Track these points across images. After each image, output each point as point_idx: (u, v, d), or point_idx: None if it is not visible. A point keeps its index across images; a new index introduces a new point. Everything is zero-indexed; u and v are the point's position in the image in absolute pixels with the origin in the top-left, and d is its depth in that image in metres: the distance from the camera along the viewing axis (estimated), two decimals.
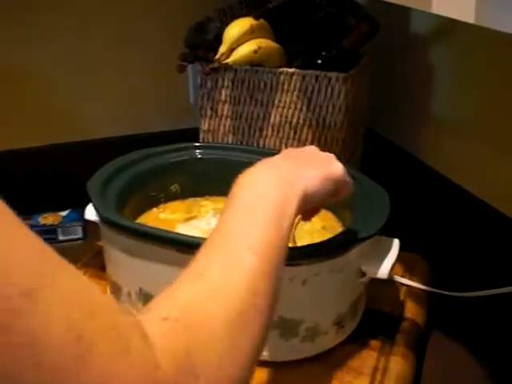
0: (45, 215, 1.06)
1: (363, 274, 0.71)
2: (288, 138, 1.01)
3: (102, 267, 0.81)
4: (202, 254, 0.44)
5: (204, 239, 0.47)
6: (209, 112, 1.04)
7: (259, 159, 0.83)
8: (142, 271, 0.71)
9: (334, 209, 0.81)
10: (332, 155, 0.61)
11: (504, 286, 0.79)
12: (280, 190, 0.51)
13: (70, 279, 0.32)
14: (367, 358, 0.73)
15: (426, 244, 0.93)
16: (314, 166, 0.57)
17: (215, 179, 0.88)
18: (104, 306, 0.33)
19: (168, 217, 0.86)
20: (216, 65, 0.92)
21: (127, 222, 0.69)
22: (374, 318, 0.78)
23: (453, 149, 0.99)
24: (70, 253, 0.95)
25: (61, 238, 1.03)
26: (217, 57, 0.93)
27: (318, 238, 0.74)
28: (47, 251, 0.32)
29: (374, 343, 0.75)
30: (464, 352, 0.78)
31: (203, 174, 0.89)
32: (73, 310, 0.30)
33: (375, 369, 0.71)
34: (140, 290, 0.72)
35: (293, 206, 0.51)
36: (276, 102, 1.00)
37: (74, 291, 0.31)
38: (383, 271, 0.69)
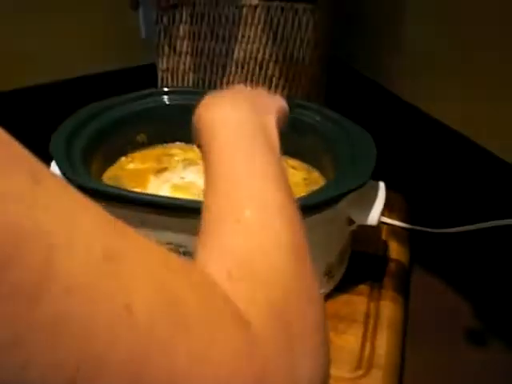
0: None
1: (351, 222, 0.69)
2: (253, 75, 0.96)
3: None
4: (222, 202, 0.38)
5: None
6: (166, 49, 0.97)
7: None
8: None
9: (314, 157, 0.78)
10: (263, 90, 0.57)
11: (484, 221, 0.79)
12: (257, 120, 0.46)
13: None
14: (358, 305, 0.72)
15: (402, 180, 0.92)
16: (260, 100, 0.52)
17: (182, 126, 0.83)
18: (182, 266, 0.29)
19: (138, 167, 0.82)
20: (175, 1, 0.85)
21: (97, 185, 0.64)
22: (360, 261, 0.77)
23: (424, 79, 0.97)
24: None
25: None
26: None
27: (301, 192, 0.72)
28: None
29: (363, 288, 0.74)
30: (447, 289, 0.79)
31: (170, 121, 0.83)
32: (157, 271, 0.27)
33: (367, 315, 0.71)
34: None
35: (275, 134, 0.46)
36: (239, 36, 0.94)
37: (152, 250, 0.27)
38: (373, 218, 0.68)
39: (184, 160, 0.82)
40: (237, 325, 0.28)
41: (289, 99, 0.58)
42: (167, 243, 0.65)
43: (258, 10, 0.91)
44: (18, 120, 1.07)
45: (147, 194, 0.68)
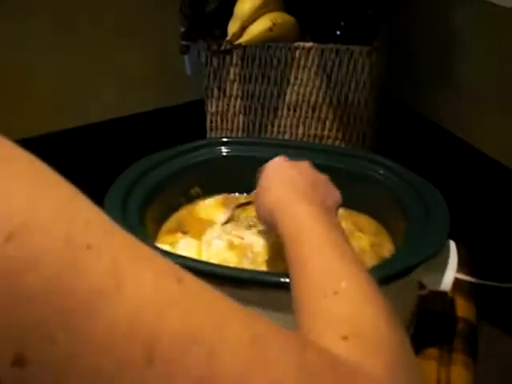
0: None
1: (423, 287, 0.66)
2: (306, 118, 0.93)
3: None
4: (316, 278, 0.44)
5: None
6: (216, 92, 0.95)
7: (286, 152, 0.78)
8: None
9: (380, 212, 0.75)
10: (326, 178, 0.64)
11: None
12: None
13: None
14: (427, 370, 0.68)
15: (463, 229, 0.88)
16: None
17: (239, 178, 0.80)
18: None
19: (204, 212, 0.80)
20: (228, 46, 0.83)
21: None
22: (427, 320, 0.73)
23: (476, 116, 0.93)
24: None
25: None
26: (228, 38, 0.83)
27: (370, 259, 0.68)
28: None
29: (432, 352, 0.71)
30: None
31: (226, 173, 0.81)
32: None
33: (438, 382, 0.67)
34: None
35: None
36: (292, 79, 0.91)
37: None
38: (446, 284, 0.64)
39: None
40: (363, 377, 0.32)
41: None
42: None
43: (312, 53, 0.88)
44: (68, 161, 1.06)
45: (217, 266, 0.64)
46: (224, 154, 0.80)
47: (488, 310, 0.79)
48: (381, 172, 0.75)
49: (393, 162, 0.75)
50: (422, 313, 0.73)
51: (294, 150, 0.80)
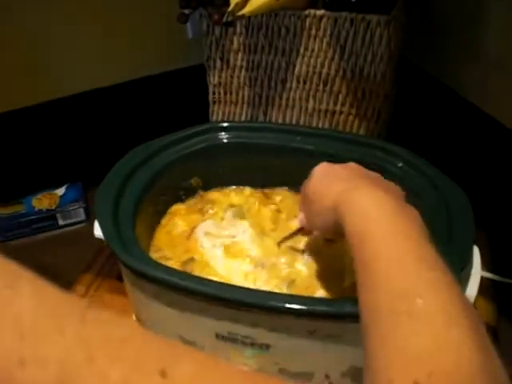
0: (38, 196, 0.91)
1: None
2: (317, 91, 0.85)
3: (119, 277, 0.70)
4: (385, 296, 0.37)
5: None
6: (218, 63, 0.87)
7: (293, 139, 0.71)
8: (179, 320, 0.59)
9: None
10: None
11: None
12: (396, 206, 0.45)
13: None
14: None
15: (482, 216, 0.81)
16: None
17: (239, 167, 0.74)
18: None
19: (187, 221, 0.73)
20: (230, 18, 0.74)
21: (159, 273, 0.56)
22: None
23: (499, 87, 0.84)
24: (73, 241, 0.84)
25: (61, 223, 0.90)
26: (230, 8, 0.74)
27: None
28: None
29: None
30: None
31: (227, 162, 0.74)
32: None
33: None
34: (180, 337, 0.61)
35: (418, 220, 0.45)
36: (301, 50, 0.83)
37: None
38: (471, 292, 0.58)
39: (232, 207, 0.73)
40: None
41: None
42: (229, 333, 0.57)
43: (324, 21, 0.79)
44: (68, 128, 1.00)
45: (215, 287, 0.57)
46: (225, 140, 0.73)
47: (509, 310, 0.74)
48: (399, 165, 0.68)
49: (412, 154, 0.68)
50: None
51: (303, 136, 0.73)
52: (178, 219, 0.71)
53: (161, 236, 0.70)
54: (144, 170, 0.69)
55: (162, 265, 0.59)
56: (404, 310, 0.35)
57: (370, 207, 0.44)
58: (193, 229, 0.72)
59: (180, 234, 0.70)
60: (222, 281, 0.61)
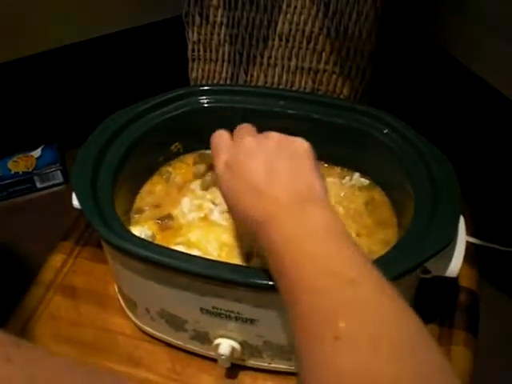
0: (14, 159, 0.89)
1: (427, 271, 0.60)
2: (300, 49, 0.83)
3: (100, 244, 0.69)
4: (311, 319, 0.38)
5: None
6: (198, 19, 0.83)
7: (276, 104, 0.69)
8: (162, 294, 0.58)
9: (379, 175, 0.68)
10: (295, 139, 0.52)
11: None
12: (313, 211, 0.44)
13: None
14: None
15: (465, 181, 0.80)
16: (296, 162, 0.50)
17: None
18: None
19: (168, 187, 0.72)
20: None
21: (140, 251, 0.54)
22: (427, 287, 0.68)
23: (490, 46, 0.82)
24: (52, 205, 0.83)
25: (39, 186, 0.88)
26: None
27: (365, 221, 0.63)
28: None
29: (431, 329, 0.67)
30: None
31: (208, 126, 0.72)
32: None
33: None
34: (162, 310, 0.60)
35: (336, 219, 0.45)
36: (284, 7, 0.80)
37: None
38: (453, 270, 0.58)
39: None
40: None
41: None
42: (213, 307, 0.56)
43: None
44: (40, 87, 0.96)
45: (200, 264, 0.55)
46: (205, 105, 0.71)
47: (490, 274, 0.74)
48: (385, 132, 0.67)
49: (398, 120, 0.67)
50: (422, 281, 0.68)
51: (286, 100, 0.71)
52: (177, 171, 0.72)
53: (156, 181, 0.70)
54: (123, 137, 0.67)
55: (144, 240, 0.57)
56: (330, 334, 0.35)
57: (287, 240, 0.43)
58: (186, 183, 0.71)
59: (172, 185, 0.71)
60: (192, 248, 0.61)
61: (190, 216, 0.67)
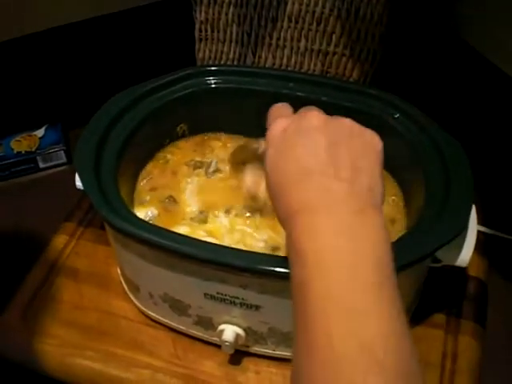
0: (17, 138, 0.88)
1: (437, 261, 0.59)
2: (309, 30, 0.81)
3: (103, 225, 0.68)
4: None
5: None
6: None
7: (285, 86, 0.67)
8: (165, 278, 0.57)
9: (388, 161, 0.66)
10: (369, 131, 0.44)
11: None
12: (358, 230, 0.36)
13: None
14: (434, 340, 0.64)
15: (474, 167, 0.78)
16: (363, 159, 0.41)
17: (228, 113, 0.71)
18: None
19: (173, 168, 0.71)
20: None
21: (142, 233, 0.53)
22: (435, 277, 0.67)
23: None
24: (55, 185, 0.81)
25: (41, 165, 0.86)
26: None
27: None
28: None
29: (438, 318, 0.66)
30: None
31: (214, 108, 0.70)
32: None
33: (444, 355, 0.62)
34: (165, 294, 0.59)
35: (385, 241, 0.37)
36: None
37: None
38: (463, 260, 0.57)
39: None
40: None
41: None
42: (217, 293, 0.55)
43: None
44: (43, 66, 0.94)
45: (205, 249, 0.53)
46: (213, 85, 0.69)
47: (499, 263, 0.73)
48: (396, 116, 0.65)
49: (409, 104, 0.65)
50: (430, 270, 0.67)
51: (295, 82, 0.69)
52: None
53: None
54: (127, 118, 0.65)
55: (147, 223, 0.56)
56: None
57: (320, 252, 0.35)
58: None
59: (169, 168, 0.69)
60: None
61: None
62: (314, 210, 0.36)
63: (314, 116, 0.42)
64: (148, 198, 0.66)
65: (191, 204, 0.65)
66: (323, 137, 0.41)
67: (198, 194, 0.66)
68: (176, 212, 0.64)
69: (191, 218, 0.63)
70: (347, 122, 0.43)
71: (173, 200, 0.65)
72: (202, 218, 0.63)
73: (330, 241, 0.35)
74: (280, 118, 0.44)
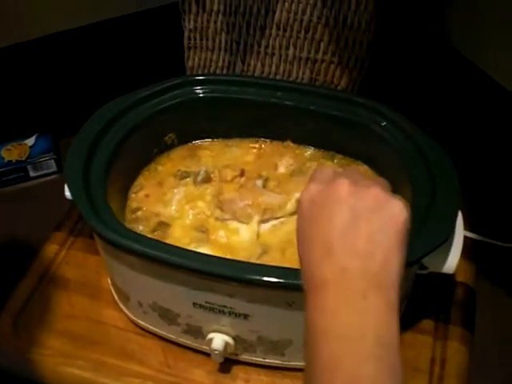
0: (8, 147, 0.88)
1: (423, 267, 0.59)
2: (298, 38, 0.81)
3: (93, 235, 0.68)
4: None
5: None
6: (194, 7, 0.82)
7: (273, 95, 0.68)
8: (154, 288, 0.58)
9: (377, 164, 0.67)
10: (395, 200, 0.43)
11: None
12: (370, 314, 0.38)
13: None
14: (422, 346, 0.64)
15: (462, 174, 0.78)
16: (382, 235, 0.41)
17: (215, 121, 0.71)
18: None
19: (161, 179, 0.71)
20: None
21: (131, 244, 0.53)
22: (423, 283, 0.67)
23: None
24: (45, 194, 0.82)
25: (32, 174, 0.87)
26: None
27: None
28: None
29: (426, 324, 0.66)
30: None
31: (202, 117, 0.71)
32: None
33: (432, 361, 0.63)
34: (154, 303, 0.60)
35: (386, 322, 0.39)
36: None
37: None
38: (450, 267, 0.58)
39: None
40: None
41: None
42: (206, 302, 0.56)
43: None
44: (34, 75, 0.95)
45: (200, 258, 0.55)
46: (201, 95, 0.70)
47: (487, 269, 0.73)
48: (382, 124, 0.66)
49: (396, 112, 0.66)
50: (418, 275, 0.67)
51: (283, 92, 0.70)
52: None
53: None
54: (117, 128, 0.66)
55: (136, 234, 0.56)
56: None
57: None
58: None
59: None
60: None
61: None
62: (327, 289, 0.39)
63: (341, 185, 0.44)
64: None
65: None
66: (347, 210, 0.42)
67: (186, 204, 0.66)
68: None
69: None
70: (373, 193, 0.43)
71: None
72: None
73: (333, 319, 0.38)
74: (313, 183, 0.46)
